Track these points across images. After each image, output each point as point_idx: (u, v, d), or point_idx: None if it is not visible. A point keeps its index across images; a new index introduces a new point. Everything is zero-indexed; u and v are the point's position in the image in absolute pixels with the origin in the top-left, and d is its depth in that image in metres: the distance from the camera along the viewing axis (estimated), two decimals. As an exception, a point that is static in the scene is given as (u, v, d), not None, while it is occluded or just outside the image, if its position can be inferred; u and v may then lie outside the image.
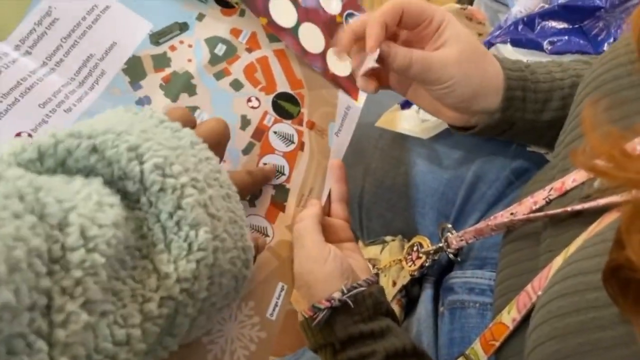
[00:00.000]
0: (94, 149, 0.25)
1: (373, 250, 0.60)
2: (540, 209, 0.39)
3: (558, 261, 0.33)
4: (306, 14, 0.50)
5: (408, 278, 0.53)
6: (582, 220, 0.33)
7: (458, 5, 0.77)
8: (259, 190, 0.43)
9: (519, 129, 0.45)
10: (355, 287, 0.40)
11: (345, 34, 0.44)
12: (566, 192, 0.36)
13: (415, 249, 0.54)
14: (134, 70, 0.41)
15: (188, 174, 0.27)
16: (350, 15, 0.54)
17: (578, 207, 0.34)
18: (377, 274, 0.55)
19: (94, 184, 0.25)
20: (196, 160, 0.29)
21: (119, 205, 0.24)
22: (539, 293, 0.33)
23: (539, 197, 0.39)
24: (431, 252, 0.51)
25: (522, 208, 0.41)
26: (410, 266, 0.53)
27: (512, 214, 0.42)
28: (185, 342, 0.29)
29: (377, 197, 0.58)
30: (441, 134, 0.57)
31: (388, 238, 0.58)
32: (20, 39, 0.38)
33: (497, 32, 0.60)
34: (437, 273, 0.53)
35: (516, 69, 0.44)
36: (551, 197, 0.38)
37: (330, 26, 0.52)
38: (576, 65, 0.46)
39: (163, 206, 0.26)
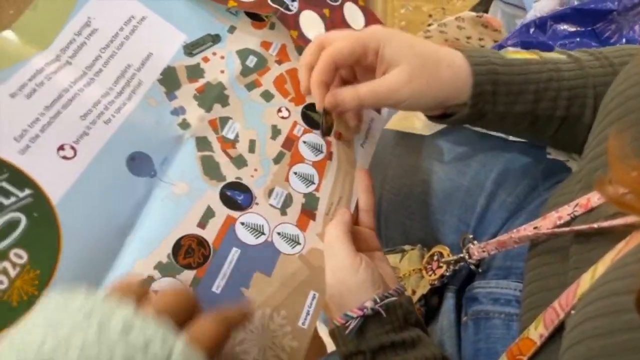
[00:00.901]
0: None
1: (392, 259, 0.60)
2: (565, 224, 0.39)
3: (586, 279, 0.33)
4: (333, 28, 0.51)
5: (428, 287, 0.54)
6: (609, 237, 0.33)
7: (473, 13, 0.77)
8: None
9: (490, 119, 0.45)
10: (387, 297, 0.40)
11: (303, 75, 0.45)
12: (592, 209, 0.37)
13: (435, 258, 0.54)
14: (169, 80, 0.42)
15: None
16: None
17: (605, 224, 0.34)
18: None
19: None
20: (131, 350, 0.24)
21: None
22: (567, 310, 0.34)
23: (564, 212, 0.40)
24: (452, 261, 0.51)
25: (547, 222, 0.41)
26: (430, 275, 0.53)
27: (535, 228, 0.42)
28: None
29: (395, 205, 0.58)
30: (459, 139, 0.57)
31: (407, 247, 0.59)
32: (61, 49, 0.39)
33: (508, 35, 0.61)
34: (459, 282, 0.54)
35: (485, 63, 0.43)
36: (576, 214, 0.38)
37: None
38: (557, 59, 0.45)
39: None
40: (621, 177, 0.23)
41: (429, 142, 0.58)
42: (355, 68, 0.46)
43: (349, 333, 0.40)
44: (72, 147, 0.36)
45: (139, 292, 0.29)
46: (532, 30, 0.59)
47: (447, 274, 0.52)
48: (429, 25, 1.12)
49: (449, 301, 0.53)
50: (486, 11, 0.83)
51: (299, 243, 0.42)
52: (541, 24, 0.59)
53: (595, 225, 0.34)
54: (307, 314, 0.41)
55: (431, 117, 0.47)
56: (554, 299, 0.36)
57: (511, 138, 0.54)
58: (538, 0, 0.71)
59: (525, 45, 0.58)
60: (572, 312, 0.32)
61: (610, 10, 0.54)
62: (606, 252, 0.32)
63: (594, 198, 0.36)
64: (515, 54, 0.45)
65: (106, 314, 0.25)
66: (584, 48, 0.48)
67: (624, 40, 0.53)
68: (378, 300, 0.40)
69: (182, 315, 0.29)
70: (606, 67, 0.44)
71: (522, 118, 0.44)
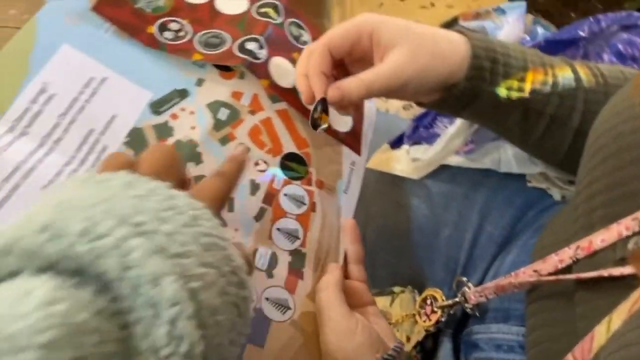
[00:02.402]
0: (6, 250, 0.21)
1: (382, 302, 0.57)
2: (567, 268, 0.37)
3: (601, 331, 0.31)
4: (304, 72, 0.49)
5: (423, 334, 0.51)
6: (619, 285, 0.32)
7: None
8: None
9: (483, 102, 0.43)
10: (387, 359, 0.38)
11: (302, 85, 0.42)
12: (595, 252, 0.35)
13: (429, 302, 0.52)
14: (137, 142, 0.40)
15: (127, 222, 0.22)
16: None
17: (616, 272, 0.32)
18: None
19: (17, 278, 0.21)
20: (136, 200, 0.24)
21: (46, 284, 0.20)
22: None
23: (565, 255, 0.37)
24: (447, 306, 0.49)
25: (547, 266, 0.39)
26: (424, 321, 0.51)
27: (535, 271, 0.40)
28: None
29: (380, 244, 0.56)
30: (438, 173, 0.56)
31: (397, 289, 0.56)
32: (14, 119, 0.36)
33: None
34: (454, 325, 0.52)
35: (483, 40, 0.42)
36: (578, 257, 0.36)
37: (327, 82, 0.51)
38: (553, 59, 0.45)
39: (108, 275, 0.21)
40: None
41: (409, 178, 0.56)
42: (348, 63, 0.44)
43: None
44: None
45: (130, 163, 0.29)
46: None
47: (443, 319, 0.49)
48: None
49: (446, 345, 0.51)
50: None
51: (289, 308, 0.39)
52: None
53: (605, 274, 0.32)
54: None
55: (426, 104, 0.45)
56: (561, 348, 0.34)
57: (490, 168, 0.52)
58: (501, 28, 0.72)
59: None
60: None
61: (580, 37, 0.55)
62: (618, 301, 0.30)
63: (597, 240, 0.34)
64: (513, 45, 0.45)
65: (105, 177, 0.26)
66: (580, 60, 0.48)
67: None
68: None
69: (174, 173, 0.29)
70: (598, 77, 0.44)
71: (514, 108, 0.43)
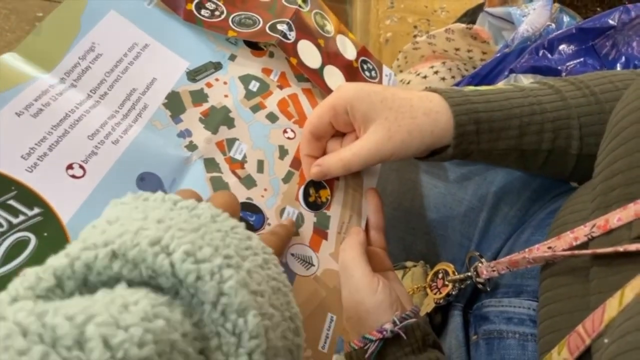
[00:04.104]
0: (114, 255, 0.22)
1: (394, 275, 0.58)
2: (582, 245, 0.38)
3: (612, 304, 0.31)
4: (328, 58, 0.52)
5: (433, 305, 0.52)
6: (633, 260, 0.32)
7: (463, 25, 0.78)
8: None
9: (476, 157, 0.44)
10: (405, 318, 0.39)
11: (306, 158, 0.45)
12: (611, 231, 0.35)
13: (440, 276, 0.53)
14: (174, 104, 0.42)
15: (219, 253, 0.24)
16: (364, 61, 0.57)
17: (632, 248, 0.32)
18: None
19: (117, 289, 0.22)
20: (222, 234, 0.26)
21: (146, 298, 0.21)
22: (593, 336, 0.32)
23: (580, 233, 0.38)
24: (459, 280, 0.50)
25: (561, 243, 0.40)
26: (435, 294, 0.52)
27: (550, 247, 0.41)
28: None
29: (395, 220, 0.58)
30: None
31: (409, 263, 0.57)
32: (65, 72, 0.38)
33: (523, 58, 0.61)
34: (464, 300, 0.52)
35: (464, 102, 0.42)
36: (594, 235, 0.36)
37: (349, 70, 0.54)
38: (538, 91, 0.45)
39: (204, 296, 0.23)
40: None
41: None
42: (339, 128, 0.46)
43: (369, 357, 0.38)
44: (81, 166, 0.35)
45: (200, 199, 0.31)
46: (540, 52, 0.61)
47: (454, 292, 0.50)
48: (415, 36, 1.12)
49: (456, 319, 0.51)
50: (472, 22, 0.83)
51: (312, 264, 0.41)
52: (549, 45, 0.61)
53: (620, 249, 0.32)
54: (327, 337, 0.39)
55: (419, 158, 0.46)
56: (574, 322, 0.34)
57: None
58: (527, 15, 0.73)
59: (535, 71, 0.59)
60: (605, 340, 0.30)
61: (610, 26, 0.56)
62: (631, 276, 0.31)
63: (613, 219, 0.34)
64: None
65: (191, 204, 0.28)
66: (568, 77, 0.48)
67: (623, 58, 0.55)
68: (397, 322, 0.39)
69: (237, 217, 0.31)
70: (588, 97, 0.44)
71: (507, 153, 0.44)
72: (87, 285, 0.23)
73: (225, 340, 0.22)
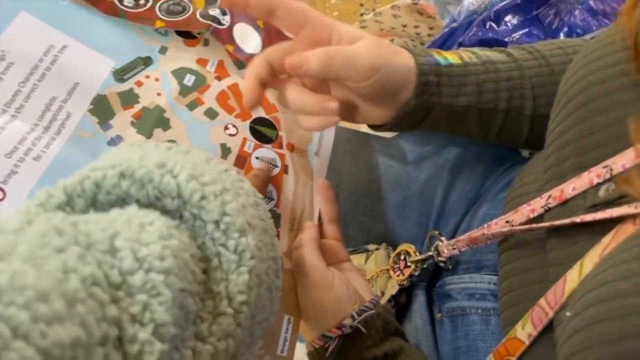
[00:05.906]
0: (122, 175, 0.24)
1: (356, 260, 0.58)
2: (539, 217, 0.38)
3: (572, 275, 0.31)
4: (270, 38, 0.49)
5: (397, 288, 0.52)
6: (590, 230, 0.32)
7: (409, 1, 0.77)
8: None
9: (437, 115, 0.43)
10: (364, 310, 0.39)
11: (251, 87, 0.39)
12: (566, 201, 0.35)
13: (402, 257, 0.53)
14: (101, 109, 0.39)
15: (219, 181, 0.26)
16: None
17: (588, 217, 0.31)
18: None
19: (129, 210, 0.23)
20: (218, 171, 0.28)
21: (159, 219, 0.23)
22: (556, 308, 0.32)
23: (537, 205, 0.38)
24: (420, 260, 0.50)
25: (519, 216, 0.40)
26: (398, 275, 0.52)
27: (507, 222, 0.41)
28: None
29: (353, 204, 0.57)
30: (411, 133, 0.56)
31: (371, 246, 0.57)
32: (-27, 87, 0.35)
33: (471, 31, 0.60)
34: (427, 279, 0.52)
35: (425, 54, 0.42)
36: (550, 206, 0.36)
37: (293, 49, 0.51)
38: (492, 54, 0.45)
39: (207, 215, 0.24)
40: None
41: (380, 137, 0.57)
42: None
43: (330, 354, 0.38)
44: (0, 188, 0.32)
45: None
46: (487, 25, 0.60)
47: (416, 273, 0.50)
48: (362, 14, 1.10)
49: (420, 299, 0.51)
50: (420, -3, 0.83)
51: None
52: (495, 17, 0.60)
53: (577, 220, 0.32)
54: (285, 340, 0.38)
55: (377, 127, 0.45)
56: (534, 295, 0.34)
57: None
58: None
59: (483, 44, 0.59)
60: (568, 313, 0.30)
61: None
62: (589, 247, 0.30)
63: (568, 189, 0.34)
64: (448, 54, 0.45)
65: (186, 149, 0.30)
66: (524, 44, 0.48)
67: (566, 27, 0.55)
68: (356, 316, 0.38)
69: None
70: (539, 59, 0.45)
71: (467, 111, 0.44)
72: (95, 205, 0.24)
73: (226, 258, 0.24)
